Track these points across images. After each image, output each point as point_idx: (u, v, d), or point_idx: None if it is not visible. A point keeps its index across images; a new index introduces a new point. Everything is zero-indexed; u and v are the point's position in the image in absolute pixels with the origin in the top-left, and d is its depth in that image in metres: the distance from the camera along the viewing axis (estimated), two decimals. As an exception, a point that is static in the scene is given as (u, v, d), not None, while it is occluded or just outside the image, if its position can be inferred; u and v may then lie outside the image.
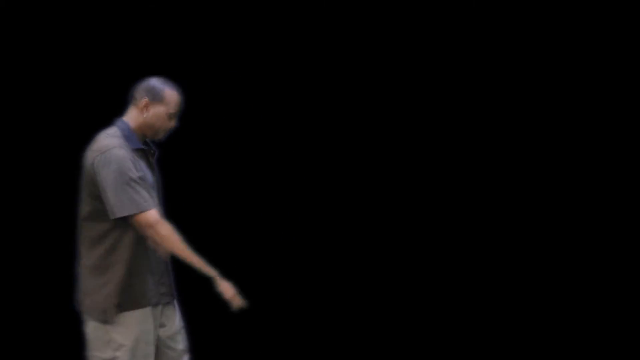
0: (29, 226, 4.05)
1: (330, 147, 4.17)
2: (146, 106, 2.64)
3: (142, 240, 2.61)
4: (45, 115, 4.02)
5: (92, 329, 2.65)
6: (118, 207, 2.50)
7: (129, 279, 2.60)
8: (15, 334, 4.06)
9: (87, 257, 2.63)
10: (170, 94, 2.66)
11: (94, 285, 2.61)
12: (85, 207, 2.61)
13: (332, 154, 4.17)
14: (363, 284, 4.17)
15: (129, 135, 2.63)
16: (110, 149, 2.53)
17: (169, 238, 2.52)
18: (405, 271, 4.16)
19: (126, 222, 2.55)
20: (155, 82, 2.67)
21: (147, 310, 2.66)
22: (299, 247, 4.15)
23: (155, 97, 2.64)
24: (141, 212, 2.50)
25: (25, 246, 4.06)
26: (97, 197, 2.55)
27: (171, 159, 3.01)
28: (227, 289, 2.57)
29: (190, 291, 2.99)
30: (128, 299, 2.60)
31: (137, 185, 2.52)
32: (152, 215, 2.52)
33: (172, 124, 2.71)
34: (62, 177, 3.72)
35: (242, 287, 2.64)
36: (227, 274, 2.62)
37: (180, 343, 2.84)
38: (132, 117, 2.68)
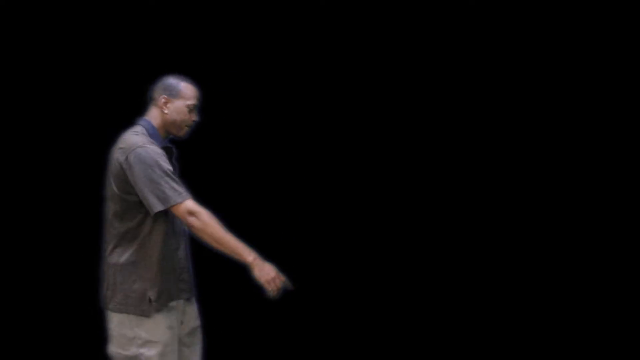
0: (53, 226, 4.09)
1: (349, 141, 4.19)
2: (165, 103, 2.70)
3: (168, 237, 2.66)
4: (66, 117, 4.07)
5: (117, 325, 2.67)
6: (157, 201, 2.53)
7: (159, 274, 2.64)
8: (32, 332, 4.10)
9: (117, 254, 2.65)
10: (187, 87, 2.73)
11: (124, 281, 2.64)
12: (113, 205, 2.64)
13: (350, 149, 4.19)
14: (385, 282, 4.18)
15: (153, 133, 2.69)
16: (141, 145, 2.57)
17: (211, 224, 2.53)
18: (425, 270, 4.18)
19: (156, 218, 2.60)
20: (170, 79, 2.74)
21: (172, 306, 2.71)
22: (316, 244, 4.17)
23: (173, 93, 2.70)
24: (180, 202, 2.54)
25: (47, 245, 4.10)
26: (128, 194, 2.59)
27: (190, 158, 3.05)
28: (264, 272, 2.53)
29: (209, 289, 3.03)
30: (157, 294, 2.64)
31: (172, 178, 2.56)
32: (192, 203, 2.55)
33: (193, 117, 2.76)
34: (81, 177, 3.86)
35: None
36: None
37: (197, 341, 2.87)
38: (153, 116, 2.73)
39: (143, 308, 2.62)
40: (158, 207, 2.53)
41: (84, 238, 3.69)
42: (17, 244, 4.07)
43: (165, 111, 2.70)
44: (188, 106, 2.71)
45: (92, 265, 2.93)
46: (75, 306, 3.94)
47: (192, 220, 2.53)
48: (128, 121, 2.78)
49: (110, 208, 2.66)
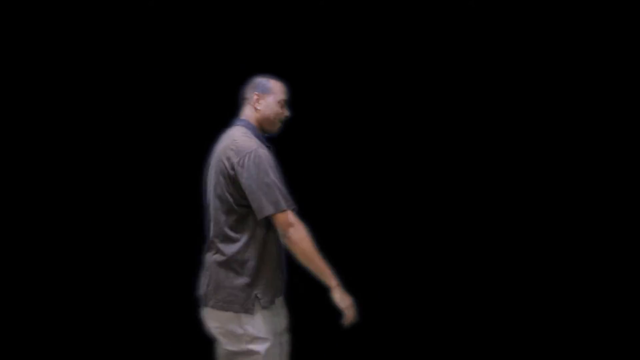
0: (154, 227, 4.11)
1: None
2: (258, 100, 2.79)
3: (272, 236, 2.70)
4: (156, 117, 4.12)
5: (223, 322, 2.69)
6: (265, 206, 2.58)
7: (266, 272, 2.68)
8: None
9: (221, 251, 2.68)
10: (275, 83, 2.83)
11: (229, 279, 2.67)
12: (220, 203, 2.68)
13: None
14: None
15: (256, 134, 2.76)
16: (254, 149, 2.62)
17: (305, 240, 2.59)
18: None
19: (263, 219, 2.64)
20: (260, 78, 2.84)
21: (277, 302, 2.76)
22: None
23: (264, 90, 2.80)
24: (286, 210, 2.59)
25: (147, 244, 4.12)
26: (236, 194, 2.63)
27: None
28: (344, 300, 2.62)
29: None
30: (264, 291, 2.67)
31: (280, 185, 2.62)
32: (292, 215, 2.61)
33: (285, 111, 2.84)
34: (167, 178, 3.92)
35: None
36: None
37: (286, 339, 2.89)
38: (249, 115, 2.81)
39: (249, 306, 2.65)
40: (269, 210, 2.58)
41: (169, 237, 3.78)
42: (111, 244, 4.12)
43: (259, 107, 2.79)
44: (279, 102, 2.81)
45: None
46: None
47: (290, 231, 2.59)
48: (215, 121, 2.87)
49: (216, 205, 2.70)
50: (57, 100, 4.11)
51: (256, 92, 2.80)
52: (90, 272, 4.15)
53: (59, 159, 4.13)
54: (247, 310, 2.65)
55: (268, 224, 2.67)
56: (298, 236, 2.59)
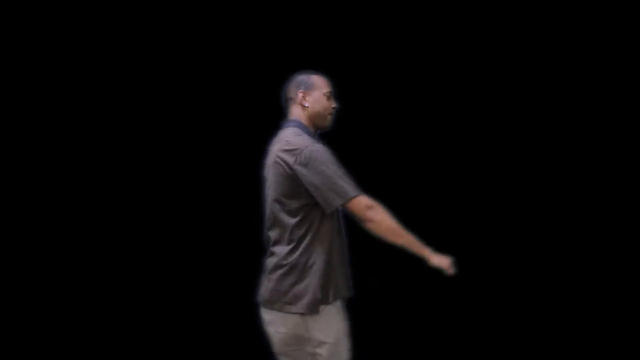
0: (211, 233, 4.12)
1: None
2: (304, 97, 2.76)
3: (339, 234, 2.67)
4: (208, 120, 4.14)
5: (291, 326, 2.64)
6: (336, 195, 2.53)
7: (331, 273, 2.63)
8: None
9: (284, 253, 2.63)
10: (318, 77, 2.79)
11: (293, 282, 2.62)
12: (279, 207, 2.63)
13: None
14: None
15: (308, 132, 2.71)
16: (309, 145, 2.58)
17: (388, 217, 2.54)
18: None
19: (326, 216, 2.61)
20: (300, 75, 2.80)
21: (340, 304, 2.70)
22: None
23: (308, 86, 2.77)
24: (356, 196, 2.54)
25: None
26: (297, 193, 2.59)
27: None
28: (443, 261, 2.55)
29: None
30: (329, 293, 2.63)
31: (343, 174, 2.57)
32: (365, 198, 2.55)
33: (333, 104, 2.80)
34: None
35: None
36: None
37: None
38: (298, 114, 2.76)
39: (315, 308, 2.59)
40: (337, 201, 2.53)
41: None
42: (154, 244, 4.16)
43: (306, 104, 2.75)
44: (325, 94, 2.77)
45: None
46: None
47: (370, 214, 2.52)
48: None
49: (276, 209, 2.64)
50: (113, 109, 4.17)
51: (301, 90, 2.75)
52: (152, 276, 4.17)
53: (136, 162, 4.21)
54: (313, 312, 2.59)
55: (336, 222, 2.64)
56: (380, 216, 2.53)
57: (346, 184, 2.53)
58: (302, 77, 2.79)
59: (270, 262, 2.70)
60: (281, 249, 2.64)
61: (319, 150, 2.57)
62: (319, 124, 2.78)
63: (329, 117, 2.79)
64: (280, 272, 2.64)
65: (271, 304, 2.67)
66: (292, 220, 2.61)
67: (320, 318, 2.61)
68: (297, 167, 2.56)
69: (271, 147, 2.71)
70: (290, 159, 2.58)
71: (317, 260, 2.60)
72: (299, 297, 2.61)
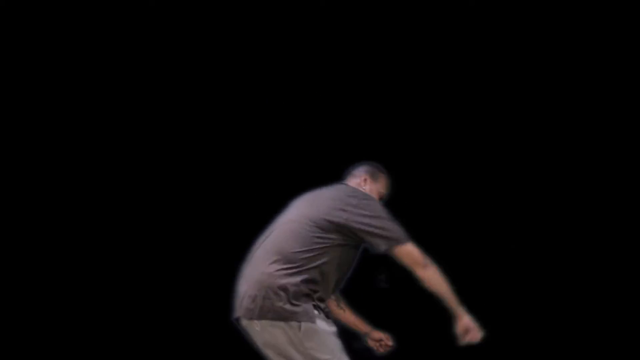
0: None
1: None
2: (365, 181, 2.89)
3: (344, 266, 2.71)
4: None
5: (279, 336, 2.63)
6: (386, 241, 2.62)
7: (328, 293, 2.70)
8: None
9: (282, 273, 2.60)
10: (385, 177, 2.95)
11: (286, 298, 2.59)
12: (311, 224, 2.65)
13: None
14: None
15: None
16: (363, 192, 2.75)
17: (437, 270, 2.64)
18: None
19: (341, 251, 2.65)
20: (374, 165, 2.96)
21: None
22: None
23: (374, 177, 2.91)
24: (405, 243, 2.64)
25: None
26: (332, 232, 2.62)
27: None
28: (472, 325, 2.64)
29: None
30: (324, 307, 2.67)
31: (393, 219, 2.68)
32: (415, 247, 2.65)
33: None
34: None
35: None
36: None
37: None
38: (352, 185, 2.88)
39: (309, 320, 2.58)
40: (395, 241, 2.62)
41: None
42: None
43: (364, 188, 2.85)
44: (380, 192, 2.90)
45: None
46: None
47: (423, 262, 2.62)
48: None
49: (291, 230, 2.67)
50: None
51: (367, 176, 2.89)
52: (152, 276, 4.23)
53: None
54: (309, 322, 2.58)
55: (346, 257, 2.68)
56: (432, 268, 2.63)
57: (399, 229, 2.64)
58: (375, 167, 2.93)
59: (259, 274, 2.66)
60: (278, 267, 2.62)
61: (373, 198, 2.75)
62: None
63: None
64: (271, 287, 2.60)
65: (256, 314, 2.66)
66: (303, 247, 2.62)
67: (315, 329, 2.60)
68: (350, 209, 2.64)
69: (316, 192, 2.79)
70: (341, 202, 2.66)
71: (317, 283, 2.62)
72: (293, 312, 2.58)
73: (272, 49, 4.22)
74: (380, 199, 2.88)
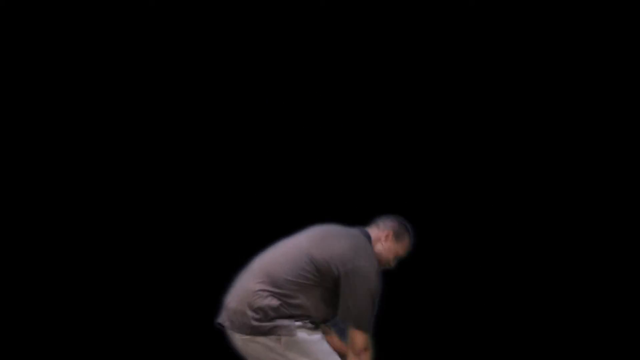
0: None
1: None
2: (387, 237, 2.85)
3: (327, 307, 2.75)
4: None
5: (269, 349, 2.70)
6: (356, 321, 2.68)
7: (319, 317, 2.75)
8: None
9: (276, 295, 2.67)
10: (408, 240, 2.89)
11: (278, 316, 2.66)
12: (309, 261, 2.70)
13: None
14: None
15: (371, 251, 2.79)
16: (371, 271, 2.71)
17: None
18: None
19: (321, 299, 2.71)
20: (403, 223, 2.90)
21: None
22: None
23: (398, 237, 2.86)
24: (366, 332, 2.70)
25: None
26: (322, 278, 2.69)
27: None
28: None
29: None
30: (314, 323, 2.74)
31: (375, 308, 2.71)
32: (364, 340, 2.70)
33: (392, 263, 2.90)
34: None
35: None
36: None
37: None
38: (374, 237, 2.85)
39: (288, 334, 2.65)
40: (354, 324, 2.69)
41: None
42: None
43: (383, 244, 2.83)
44: (397, 253, 2.87)
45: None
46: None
47: (364, 354, 2.70)
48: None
49: (289, 258, 2.72)
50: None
51: (391, 232, 2.85)
52: (152, 276, 4.22)
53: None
54: (294, 336, 2.65)
55: (325, 297, 2.72)
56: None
57: (370, 319, 2.69)
58: (402, 226, 2.88)
59: (249, 289, 2.71)
60: (270, 290, 2.67)
61: (374, 281, 2.70)
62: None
63: (380, 267, 2.84)
64: (263, 303, 2.67)
65: (245, 329, 2.72)
66: (305, 274, 2.68)
67: (301, 341, 2.68)
68: (349, 273, 2.67)
69: (332, 228, 2.83)
70: (347, 264, 2.68)
71: (309, 307, 2.68)
72: (288, 328, 2.66)
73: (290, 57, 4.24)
74: (395, 257, 2.86)
